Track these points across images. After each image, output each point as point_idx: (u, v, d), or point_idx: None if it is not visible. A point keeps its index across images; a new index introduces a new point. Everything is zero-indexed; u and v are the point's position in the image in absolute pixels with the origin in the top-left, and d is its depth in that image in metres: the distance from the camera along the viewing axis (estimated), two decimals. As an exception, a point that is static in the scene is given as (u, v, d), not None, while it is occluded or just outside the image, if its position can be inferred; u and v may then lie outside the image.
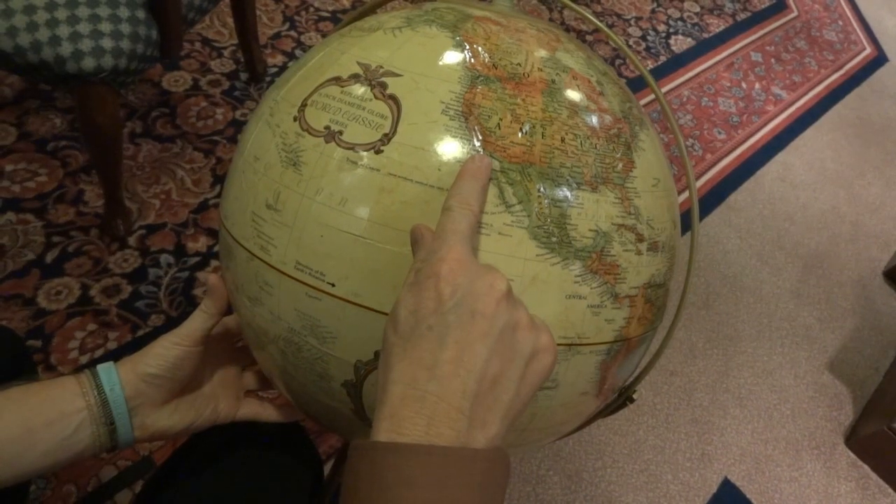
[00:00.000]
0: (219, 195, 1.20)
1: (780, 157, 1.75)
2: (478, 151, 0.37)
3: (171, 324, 1.03)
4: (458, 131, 0.37)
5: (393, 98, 0.38)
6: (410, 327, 0.31)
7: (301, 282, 0.38)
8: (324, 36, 1.56)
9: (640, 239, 0.41)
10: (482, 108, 0.38)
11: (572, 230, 0.38)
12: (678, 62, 1.90)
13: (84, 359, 0.97)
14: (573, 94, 0.41)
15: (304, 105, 0.40)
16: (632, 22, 1.97)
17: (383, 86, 0.39)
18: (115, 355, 0.98)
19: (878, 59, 2.23)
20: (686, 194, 1.44)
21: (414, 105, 0.38)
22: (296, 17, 1.59)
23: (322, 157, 0.38)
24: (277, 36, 1.53)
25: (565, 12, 1.93)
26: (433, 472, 0.27)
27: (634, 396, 0.49)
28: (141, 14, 0.85)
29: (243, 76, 1.42)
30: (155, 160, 1.22)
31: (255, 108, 1.35)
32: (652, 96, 1.68)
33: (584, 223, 0.38)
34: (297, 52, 1.51)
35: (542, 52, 0.42)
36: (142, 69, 0.88)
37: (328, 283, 0.37)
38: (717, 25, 2.09)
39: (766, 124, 1.82)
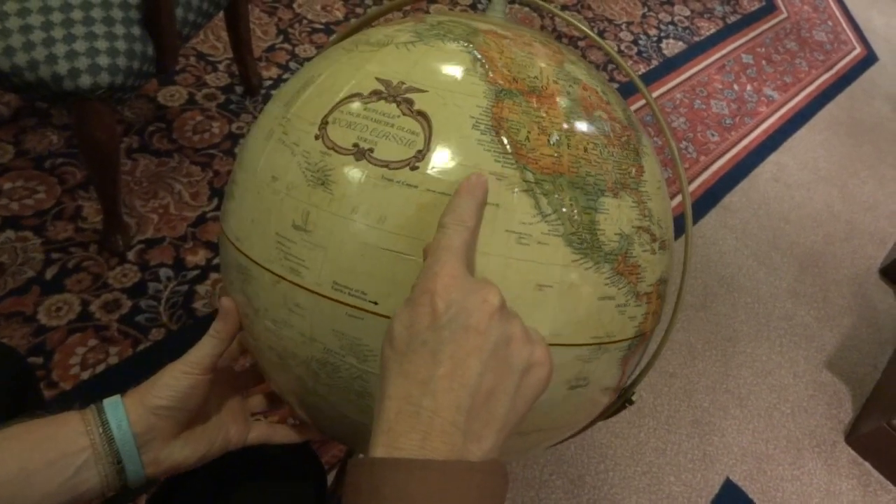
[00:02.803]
0: (217, 208, 1.21)
1: (774, 158, 1.76)
2: (511, 164, 0.38)
3: (172, 338, 1.03)
4: (490, 145, 0.38)
5: (422, 114, 0.38)
6: (405, 343, 0.31)
7: (340, 302, 0.38)
8: (318, 48, 1.57)
9: (654, 239, 0.44)
10: (510, 122, 0.39)
11: (601, 235, 0.40)
12: (670, 66, 1.91)
13: (86, 374, 0.97)
14: (588, 105, 0.43)
15: (324, 123, 0.40)
16: (623, 27, 1.98)
17: (409, 102, 0.39)
18: (117, 371, 0.98)
19: (868, 59, 2.25)
20: (679, 197, 1.45)
21: (444, 121, 0.38)
22: (289, 30, 1.60)
23: (354, 176, 0.38)
24: (272, 49, 1.54)
25: (557, 19, 1.94)
26: (430, 486, 0.28)
27: (633, 398, 0.50)
28: (136, 31, 0.85)
29: (238, 89, 1.42)
30: (152, 175, 1.23)
31: (251, 121, 1.35)
32: (644, 101, 1.69)
33: (611, 228, 0.40)
34: (292, 64, 1.52)
35: (553, 65, 0.44)
36: (138, 85, 0.89)
37: (370, 301, 0.37)
38: (707, 29, 2.11)
39: (758, 125, 1.83)
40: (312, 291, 0.38)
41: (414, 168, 0.37)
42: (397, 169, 0.37)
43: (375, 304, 0.37)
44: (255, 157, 0.43)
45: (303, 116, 0.41)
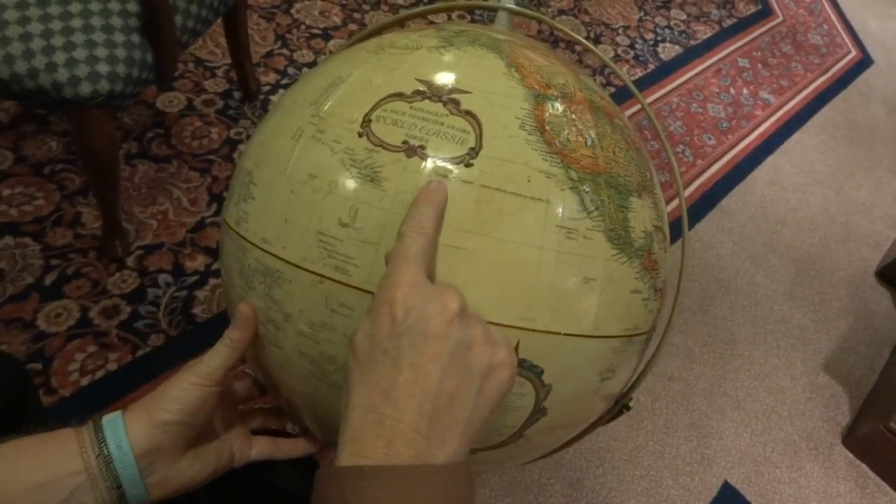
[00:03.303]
0: (216, 213, 1.21)
1: (770, 161, 1.77)
2: (558, 163, 0.39)
3: (172, 343, 1.04)
4: (537, 144, 0.40)
5: (470, 114, 0.40)
6: (367, 352, 0.32)
7: None
8: (316, 53, 1.58)
9: (664, 238, 0.47)
10: (552, 124, 0.41)
11: (632, 232, 0.42)
12: (667, 70, 1.92)
13: (85, 381, 0.97)
14: (608, 112, 0.46)
15: (367, 120, 0.40)
16: (620, 31, 1.99)
17: (456, 102, 0.40)
18: (116, 376, 0.98)
19: (864, 62, 2.26)
20: (676, 202, 1.46)
21: (492, 120, 0.40)
22: (287, 36, 1.60)
23: (406, 172, 0.38)
24: (270, 54, 1.55)
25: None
26: (395, 491, 0.28)
27: (631, 404, 0.50)
28: (136, 38, 0.86)
29: (237, 95, 1.43)
30: (151, 181, 1.23)
31: (250, 127, 1.36)
32: (640, 105, 1.70)
33: (638, 225, 0.43)
34: (290, 69, 1.52)
35: (571, 74, 0.46)
36: (137, 92, 0.89)
37: None
38: (703, 32, 2.12)
39: (755, 129, 1.84)
40: (361, 290, 0.38)
41: (468, 165, 0.38)
42: (452, 165, 0.38)
43: None
44: (283, 156, 0.42)
45: (340, 114, 0.41)
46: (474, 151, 0.38)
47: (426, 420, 0.30)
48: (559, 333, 0.39)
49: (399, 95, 0.40)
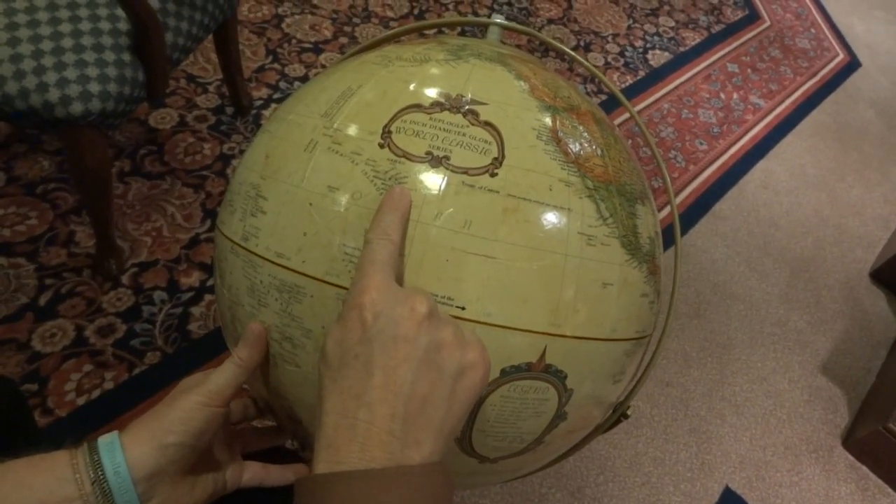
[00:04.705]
0: (210, 229, 1.21)
1: (762, 165, 1.78)
2: (575, 172, 0.41)
3: (168, 361, 1.03)
4: (555, 154, 0.41)
5: (490, 125, 0.40)
6: (338, 358, 0.32)
7: None
8: (307, 67, 1.58)
9: (660, 245, 0.48)
10: (565, 134, 0.42)
11: (640, 238, 0.43)
12: (657, 76, 1.93)
13: (81, 400, 0.96)
14: (608, 125, 0.47)
15: (387, 132, 0.40)
16: (609, 39, 2.01)
17: (475, 113, 0.41)
18: (113, 395, 0.98)
19: (852, 65, 2.28)
20: (667, 209, 1.46)
21: (511, 131, 0.40)
22: (278, 50, 1.61)
23: (434, 182, 0.38)
24: (261, 69, 1.55)
25: (542, 34, 1.96)
26: (372, 493, 0.28)
27: (629, 413, 0.50)
28: (127, 57, 0.86)
29: (229, 110, 1.43)
30: (145, 198, 1.23)
31: (243, 142, 1.36)
32: (628, 114, 1.71)
33: (645, 232, 0.44)
34: (282, 84, 1.52)
35: (571, 88, 0.48)
36: (129, 111, 0.89)
37: (458, 306, 0.37)
38: (692, 39, 2.13)
39: (746, 133, 1.85)
40: None
41: (493, 175, 0.39)
42: (477, 175, 0.38)
43: (463, 308, 0.37)
44: (296, 169, 0.41)
45: (357, 126, 0.41)
46: (498, 161, 0.39)
47: (399, 422, 0.30)
48: (582, 338, 0.40)
49: (417, 107, 0.41)
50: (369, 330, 0.31)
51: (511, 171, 0.39)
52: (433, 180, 0.38)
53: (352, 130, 0.41)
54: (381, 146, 0.39)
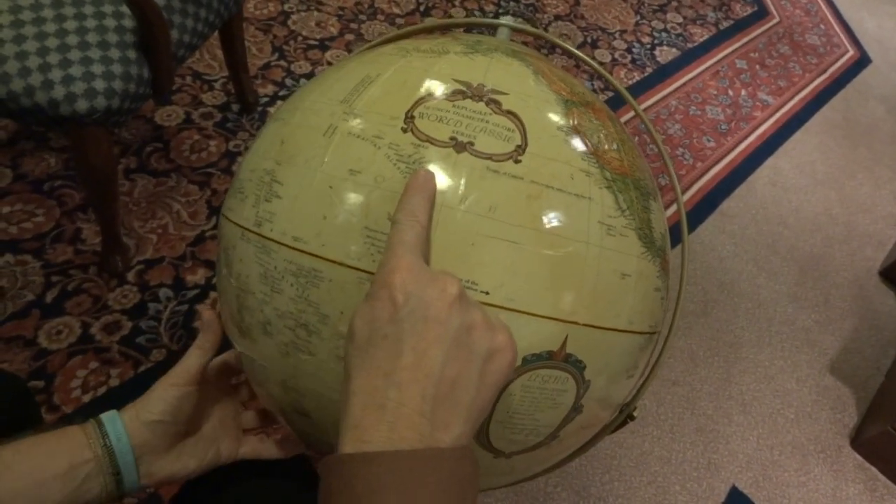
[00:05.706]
0: (214, 227, 1.21)
1: (770, 162, 1.76)
2: (595, 163, 0.41)
3: (173, 358, 1.03)
4: (576, 144, 0.41)
5: (512, 113, 0.41)
6: (366, 338, 0.31)
7: None
8: (313, 64, 1.58)
9: (668, 242, 0.48)
10: (583, 127, 0.43)
11: (654, 232, 0.44)
12: (664, 73, 1.92)
13: (87, 397, 0.97)
14: (619, 121, 0.48)
15: (410, 117, 0.40)
16: (616, 35, 1.99)
17: (497, 102, 0.41)
18: (118, 392, 0.98)
19: (862, 61, 2.26)
20: (674, 207, 1.45)
21: (532, 120, 0.41)
22: (284, 47, 1.61)
23: (456, 167, 0.38)
24: (267, 66, 1.55)
25: (549, 31, 1.95)
26: (401, 475, 0.28)
27: (635, 414, 0.50)
28: (132, 54, 0.86)
29: (235, 107, 1.43)
30: (150, 195, 1.23)
31: (249, 139, 1.36)
32: (634, 112, 1.70)
33: (657, 227, 0.45)
34: (288, 80, 1.52)
35: (582, 85, 0.48)
36: (134, 108, 0.89)
37: (482, 291, 0.37)
38: (700, 35, 2.12)
39: (754, 130, 1.83)
40: None
41: (517, 161, 0.39)
42: (501, 161, 0.39)
43: (487, 293, 0.37)
44: (315, 154, 0.41)
45: (378, 111, 0.41)
46: (521, 148, 0.39)
47: (430, 403, 0.30)
48: (602, 328, 0.40)
49: (439, 94, 0.41)
50: (400, 310, 0.31)
51: (534, 159, 0.39)
52: (459, 165, 0.38)
53: (373, 115, 0.41)
54: (405, 131, 0.40)
